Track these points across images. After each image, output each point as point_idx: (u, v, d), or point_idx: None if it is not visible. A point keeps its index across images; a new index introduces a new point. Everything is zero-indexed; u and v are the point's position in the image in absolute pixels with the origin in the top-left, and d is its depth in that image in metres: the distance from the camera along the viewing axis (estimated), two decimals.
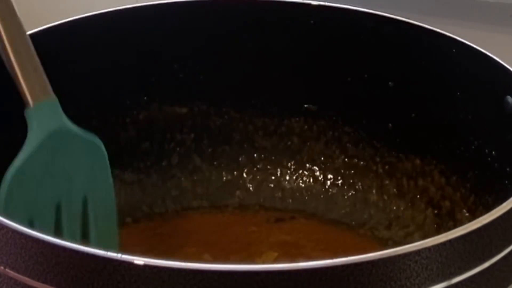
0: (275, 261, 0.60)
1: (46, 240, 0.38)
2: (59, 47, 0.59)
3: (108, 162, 0.55)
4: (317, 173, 0.67)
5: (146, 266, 0.37)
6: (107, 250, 0.37)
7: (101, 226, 0.54)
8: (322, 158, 0.67)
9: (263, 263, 0.59)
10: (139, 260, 0.37)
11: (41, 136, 0.51)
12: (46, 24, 0.58)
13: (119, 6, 0.61)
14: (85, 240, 0.53)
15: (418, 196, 0.63)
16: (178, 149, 0.66)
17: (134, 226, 0.63)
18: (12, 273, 0.39)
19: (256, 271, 0.37)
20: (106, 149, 0.63)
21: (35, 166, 0.51)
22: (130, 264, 0.37)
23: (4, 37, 0.51)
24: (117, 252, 0.37)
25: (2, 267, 0.40)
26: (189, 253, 0.60)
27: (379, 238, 0.62)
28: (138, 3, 0.63)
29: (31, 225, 0.50)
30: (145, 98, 0.65)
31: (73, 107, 0.61)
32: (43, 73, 0.52)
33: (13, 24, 0.51)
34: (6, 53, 0.51)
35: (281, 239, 0.62)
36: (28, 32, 0.57)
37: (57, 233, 0.52)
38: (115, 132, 0.64)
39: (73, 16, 0.60)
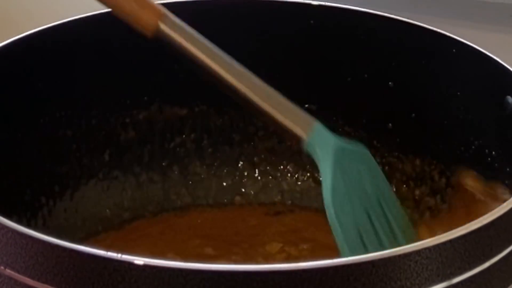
0: (281, 251, 0.60)
1: (46, 240, 0.38)
2: (59, 47, 0.59)
3: (376, 164, 0.56)
4: (317, 174, 0.67)
5: (146, 266, 0.37)
6: (116, 251, 0.37)
7: (399, 221, 0.55)
8: None
9: (268, 254, 0.60)
10: (139, 260, 0.37)
11: (330, 162, 0.53)
12: (45, 24, 0.58)
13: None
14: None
15: (417, 196, 0.63)
16: (178, 149, 0.66)
17: (135, 224, 0.63)
18: (12, 273, 0.39)
19: (256, 271, 0.37)
20: (105, 148, 0.63)
21: (340, 186, 0.53)
22: (130, 264, 0.37)
23: (255, 98, 0.53)
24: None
25: (2, 267, 0.40)
26: (192, 246, 0.60)
27: None
28: None
29: (361, 238, 0.52)
30: (145, 98, 0.65)
31: (72, 107, 0.62)
32: (295, 107, 0.54)
33: (250, 79, 0.54)
34: (259, 109, 0.53)
35: (282, 229, 0.63)
36: (27, 32, 0.57)
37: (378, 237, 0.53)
38: (115, 132, 0.64)
39: (73, 16, 0.59)
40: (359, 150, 0.56)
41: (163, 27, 0.53)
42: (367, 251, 0.50)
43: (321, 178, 0.53)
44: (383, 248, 0.52)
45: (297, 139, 0.53)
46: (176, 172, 0.66)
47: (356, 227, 0.52)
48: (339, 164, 0.53)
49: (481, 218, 0.40)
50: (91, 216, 0.63)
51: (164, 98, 0.65)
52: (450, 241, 0.39)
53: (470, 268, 0.40)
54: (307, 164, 0.67)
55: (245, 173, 0.67)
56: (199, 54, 0.53)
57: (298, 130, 0.53)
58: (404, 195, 0.64)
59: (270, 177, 0.67)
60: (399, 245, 0.50)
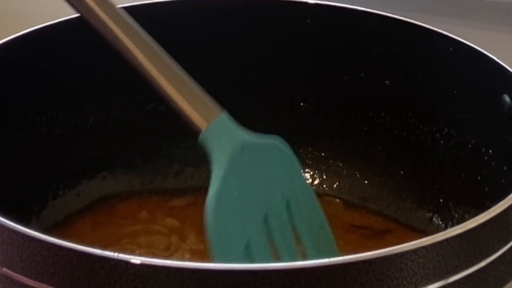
0: None
1: (43, 239, 0.38)
2: (56, 46, 0.59)
3: (295, 159, 0.51)
4: (316, 174, 0.67)
5: (143, 265, 0.37)
6: (112, 250, 0.37)
7: (312, 225, 0.50)
8: (320, 158, 0.67)
9: None
10: (135, 259, 0.37)
11: (225, 159, 0.47)
12: (42, 23, 0.58)
13: (116, 5, 0.61)
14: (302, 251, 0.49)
15: (415, 195, 0.63)
16: (176, 148, 0.66)
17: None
18: (9, 272, 0.39)
19: (253, 270, 0.37)
20: (101, 148, 0.63)
21: (231, 188, 0.47)
22: (127, 263, 0.37)
23: (150, 71, 0.49)
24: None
25: None
26: None
27: None
28: (136, 1, 0.63)
29: (248, 248, 0.46)
30: (142, 97, 0.65)
31: (70, 106, 0.62)
32: (203, 93, 0.49)
33: (158, 55, 0.49)
34: (159, 87, 0.49)
35: None
36: (23, 32, 0.57)
37: (272, 248, 0.48)
38: (111, 131, 0.64)
39: (68, 16, 0.59)
40: (272, 146, 0.50)
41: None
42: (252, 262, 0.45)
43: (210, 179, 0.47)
44: (278, 259, 0.47)
45: (194, 128, 0.48)
46: (173, 171, 0.66)
47: (243, 237, 0.46)
48: (236, 162, 0.47)
49: (477, 217, 0.40)
50: None
51: (160, 98, 0.65)
52: (447, 240, 0.39)
53: (467, 267, 0.40)
54: (305, 163, 0.67)
55: None
56: (108, 21, 0.49)
57: (196, 118, 0.48)
58: (401, 193, 0.64)
59: None
60: (307, 257, 0.48)
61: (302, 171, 0.52)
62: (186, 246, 0.60)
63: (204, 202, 0.47)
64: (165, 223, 0.62)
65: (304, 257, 0.49)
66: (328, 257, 0.36)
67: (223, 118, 0.49)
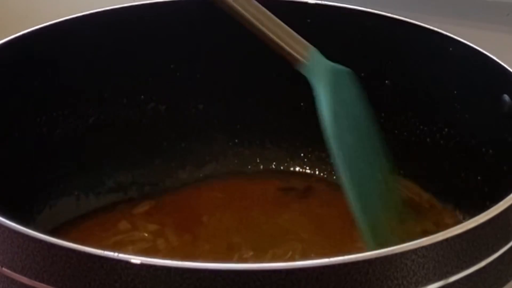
0: None
1: (43, 239, 0.38)
2: (56, 46, 0.59)
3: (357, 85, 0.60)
4: (315, 174, 0.67)
5: (143, 265, 0.37)
6: (112, 250, 0.37)
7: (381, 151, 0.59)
8: (320, 158, 0.67)
9: None
10: (135, 259, 0.37)
11: (327, 85, 0.57)
12: (42, 23, 0.58)
13: (116, 5, 0.61)
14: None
15: (413, 195, 0.63)
16: (175, 148, 0.66)
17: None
18: (9, 272, 0.39)
19: (253, 270, 0.37)
20: (101, 148, 0.63)
21: (336, 106, 0.56)
22: (127, 263, 0.37)
23: (252, 19, 0.59)
24: None
25: None
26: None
27: None
28: (135, 1, 0.63)
29: (349, 143, 0.56)
30: (142, 97, 0.65)
31: (69, 106, 0.62)
32: (292, 31, 0.59)
33: (251, 4, 0.59)
34: (260, 31, 0.58)
35: None
36: (23, 32, 0.57)
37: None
38: (112, 131, 0.64)
39: (68, 15, 0.59)
40: (348, 72, 0.60)
41: None
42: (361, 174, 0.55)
43: (318, 102, 0.56)
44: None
45: (297, 62, 0.58)
46: (172, 171, 0.66)
47: (353, 147, 0.56)
48: (333, 86, 0.57)
49: (477, 217, 0.40)
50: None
51: (160, 97, 0.65)
52: (447, 239, 0.39)
53: (467, 267, 0.40)
54: (304, 162, 0.67)
55: (242, 172, 0.67)
56: None
57: (296, 55, 0.58)
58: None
59: (266, 176, 0.67)
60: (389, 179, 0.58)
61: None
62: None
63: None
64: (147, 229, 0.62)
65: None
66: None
67: (314, 51, 0.59)
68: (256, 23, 0.58)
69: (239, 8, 0.58)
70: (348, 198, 0.53)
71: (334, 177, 0.66)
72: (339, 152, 0.55)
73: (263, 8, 0.59)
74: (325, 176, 0.67)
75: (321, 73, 0.58)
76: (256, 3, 0.59)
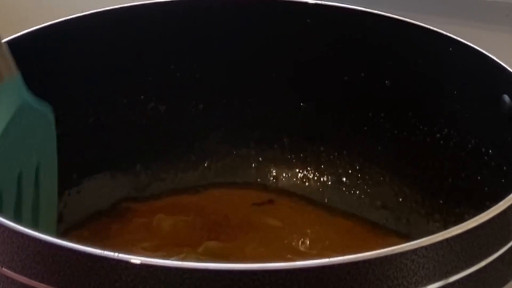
0: None
1: (43, 239, 0.38)
2: (55, 46, 0.59)
3: (54, 131, 0.56)
4: (315, 174, 0.67)
5: (142, 265, 0.37)
6: (112, 250, 0.37)
7: (45, 202, 0.56)
8: (320, 158, 0.67)
9: None
10: (135, 259, 0.37)
11: (7, 116, 0.52)
12: (42, 23, 0.58)
13: (115, 5, 0.61)
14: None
15: (414, 195, 0.63)
16: (175, 148, 0.66)
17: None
18: (9, 272, 0.39)
19: (252, 270, 0.37)
20: (102, 148, 0.63)
21: (4, 142, 0.52)
22: (127, 263, 0.37)
23: None
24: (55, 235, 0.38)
25: None
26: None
27: None
28: (135, 1, 0.63)
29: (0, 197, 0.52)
30: (142, 97, 0.65)
31: (69, 106, 0.62)
32: (4, 53, 0.53)
33: None
34: None
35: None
36: (23, 32, 0.57)
37: (17, 204, 0.53)
38: (111, 131, 0.64)
39: (68, 16, 0.59)
40: (43, 113, 0.55)
41: None
42: None
43: None
44: (16, 216, 0.53)
45: None
46: (171, 171, 0.66)
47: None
48: (14, 123, 0.52)
49: (478, 217, 0.40)
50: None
51: (160, 97, 0.65)
52: (447, 240, 0.39)
53: (467, 267, 0.40)
54: (304, 162, 0.67)
55: (241, 171, 0.67)
56: None
57: None
58: (400, 193, 0.64)
59: (265, 175, 0.67)
60: (35, 222, 0.54)
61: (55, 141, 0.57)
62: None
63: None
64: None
65: (34, 222, 0.55)
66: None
67: (15, 79, 0.53)
68: None
69: None
70: None
71: (334, 185, 0.67)
72: None
73: None
74: (323, 177, 0.67)
75: (5, 106, 0.52)
76: None
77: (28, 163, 0.54)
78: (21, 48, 0.57)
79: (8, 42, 0.56)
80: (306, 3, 0.63)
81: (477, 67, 0.56)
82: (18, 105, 0.53)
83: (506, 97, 0.53)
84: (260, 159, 0.68)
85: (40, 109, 0.55)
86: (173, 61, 0.64)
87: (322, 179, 0.66)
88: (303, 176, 0.67)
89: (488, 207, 0.41)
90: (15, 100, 0.53)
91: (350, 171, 0.66)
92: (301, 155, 0.67)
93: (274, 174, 0.67)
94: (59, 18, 0.59)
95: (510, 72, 0.53)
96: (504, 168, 0.54)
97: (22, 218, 0.53)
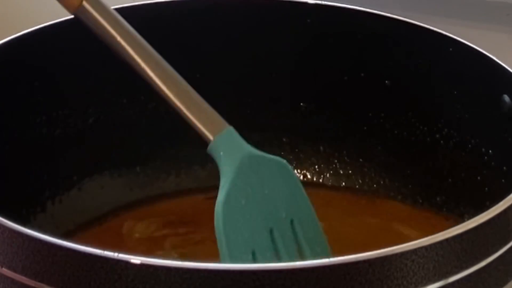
0: None
1: (43, 239, 0.38)
2: (56, 46, 0.59)
3: (298, 180, 0.54)
4: (315, 174, 0.67)
5: (142, 265, 0.37)
6: (112, 250, 0.37)
7: (313, 246, 0.52)
8: (319, 158, 0.67)
9: None
10: (135, 259, 0.37)
11: (233, 167, 0.50)
12: (42, 23, 0.58)
13: (115, 5, 0.61)
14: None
15: (414, 195, 0.63)
16: (175, 148, 0.66)
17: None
18: (9, 272, 0.39)
19: (253, 270, 0.37)
20: (101, 148, 0.63)
21: (239, 196, 0.50)
22: (127, 263, 0.37)
23: (164, 89, 0.52)
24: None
25: None
26: None
27: None
28: (135, 2, 0.63)
29: (254, 257, 0.48)
30: (142, 97, 0.65)
31: (69, 106, 0.62)
32: (210, 107, 0.53)
33: (168, 73, 0.53)
34: (171, 102, 0.52)
35: None
36: (23, 32, 0.57)
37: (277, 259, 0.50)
38: (112, 131, 0.64)
39: (68, 15, 0.59)
40: (276, 161, 0.53)
41: (87, 5, 0.53)
42: None
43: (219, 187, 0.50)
44: None
45: (203, 139, 0.52)
46: (170, 170, 0.66)
47: (250, 244, 0.49)
48: (243, 172, 0.50)
49: (477, 217, 0.40)
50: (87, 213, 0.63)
51: (160, 98, 0.65)
52: (447, 240, 0.39)
53: (467, 267, 0.40)
54: (304, 162, 0.67)
55: None
56: (118, 38, 0.52)
57: (204, 131, 0.51)
58: (400, 194, 0.64)
59: None
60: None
61: (304, 190, 0.53)
62: None
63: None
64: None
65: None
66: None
67: (230, 130, 0.52)
68: (170, 96, 0.52)
69: (152, 72, 0.52)
70: None
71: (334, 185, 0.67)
72: (223, 244, 0.47)
73: (179, 77, 0.53)
74: (323, 177, 0.67)
75: (229, 156, 0.51)
76: (172, 70, 0.53)
77: (277, 217, 0.51)
78: (21, 48, 0.57)
79: (8, 42, 0.56)
80: (306, 3, 0.63)
81: (477, 67, 0.56)
82: (239, 158, 0.51)
83: (506, 97, 0.53)
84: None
85: (270, 158, 0.52)
86: (173, 61, 0.64)
87: (322, 179, 0.66)
88: (303, 176, 0.67)
89: (488, 207, 0.41)
90: (234, 153, 0.51)
91: (350, 171, 0.66)
92: (301, 155, 0.67)
93: None
94: (59, 18, 0.59)
95: (510, 72, 0.53)
96: (504, 168, 0.54)
97: None
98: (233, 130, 0.52)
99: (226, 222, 0.48)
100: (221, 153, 0.51)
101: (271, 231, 0.50)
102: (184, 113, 0.51)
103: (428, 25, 0.60)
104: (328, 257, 0.48)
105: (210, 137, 0.51)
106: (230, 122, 0.66)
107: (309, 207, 0.53)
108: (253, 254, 0.49)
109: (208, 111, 0.52)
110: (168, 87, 0.52)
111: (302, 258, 0.51)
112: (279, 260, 0.50)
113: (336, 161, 0.66)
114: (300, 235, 0.52)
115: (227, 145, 0.51)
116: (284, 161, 0.53)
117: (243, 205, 0.49)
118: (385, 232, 0.62)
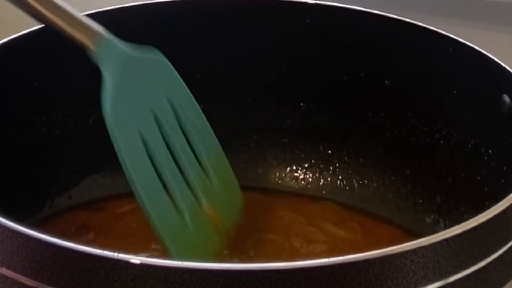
0: None
1: (42, 239, 0.38)
2: (56, 46, 0.59)
3: (176, 73, 0.57)
4: (315, 174, 0.67)
5: (142, 265, 0.37)
6: (112, 250, 0.37)
7: (200, 133, 0.57)
8: (319, 158, 0.67)
9: None
10: (135, 259, 0.37)
11: (115, 71, 0.53)
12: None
13: (115, 5, 0.61)
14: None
15: (414, 195, 0.63)
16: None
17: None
18: (8, 272, 0.39)
19: (252, 270, 0.37)
20: (101, 148, 0.63)
21: (123, 95, 0.53)
22: (127, 263, 0.37)
23: (39, 8, 0.54)
24: None
25: None
26: None
27: None
28: (135, 2, 0.63)
29: (144, 140, 0.52)
30: None
31: (69, 106, 0.62)
32: (87, 18, 0.54)
33: None
34: (43, 17, 0.53)
35: None
36: (23, 32, 0.57)
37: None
38: None
39: None
40: (155, 60, 0.56)
41: None
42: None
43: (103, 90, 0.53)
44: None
45: (85, 49, 0.53)
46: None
47: (138, 129, 0.52)
48: (124, 73, 0.53)
49: (477, 217, 0.40)
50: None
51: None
52: (447, 240, 0.39)
53: (466, 267, 0.40)
54: (304, 162, 0.67)
55: (240, 170, 0.67)
56: None
57: (82, 41, 0.53)
58: (400, 194, 0.64)
59: (264, 175, 0.67)
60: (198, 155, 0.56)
61: (183, 81, 0.57)
62: None
63: None
64: None
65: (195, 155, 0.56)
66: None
67: (108, 37, 0.54)
68: (43, 11, 0.53)
69: None
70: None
71: (334, 185, 0.67)
72: (123, 152, 0.52)
73: None
74: (323, 177, 0.67)
75: (110, 61, 0.53)
76: None
77: (161, 108, 0.54)
78: (21, 48, 0.57)
79: (8, 42, 0.56)
80: (306, 3, 0.63)
81: (477, 67, 0.56)
82: (119, 63, 0.53)
83: (506, 97, 0.53)
84: (260, 159, 0.68)
85: (148, 56, 0.55)
86: (173, 61, 0.64)
87: (321, 179, 0.66)
88: (303, 176, 0.67)
89: (488, 207, 0.41)
90: (114, 59, 0.53)
91: (350, 172, 0.66)
92: (301, 155, 0.67)
93: (274, 174, 0.67)
94: None
95: (510, 72, 0.53)
96: (504, 168, 0.54)
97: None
98: (111, 36, 0.54)
99: (117, 121, 0.51)
100: (103, 59, 0.53)
101: (157, 120, 0.54)
102: (63, 28, 0.53)
103: (428, 25, 0.60)
104: (212, 139, 0.57)
105: (90, 46, 0.53)
106: (230, 122, 0.67)
107: (189, 95, 0.57)
108: (146, 144, 0.53)
109: (83, 22, 0.54)
110: (42, 5, 0.54)
111: (188, 140, 0.56)
112: (168, 141, 0.54)
113: (335, 161, 0.66)
114: (185, 121, 0.56)
115: (106, 52, 0.53)
116: (162, 57, 0.56)
117: (128, 102, 0.53)
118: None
